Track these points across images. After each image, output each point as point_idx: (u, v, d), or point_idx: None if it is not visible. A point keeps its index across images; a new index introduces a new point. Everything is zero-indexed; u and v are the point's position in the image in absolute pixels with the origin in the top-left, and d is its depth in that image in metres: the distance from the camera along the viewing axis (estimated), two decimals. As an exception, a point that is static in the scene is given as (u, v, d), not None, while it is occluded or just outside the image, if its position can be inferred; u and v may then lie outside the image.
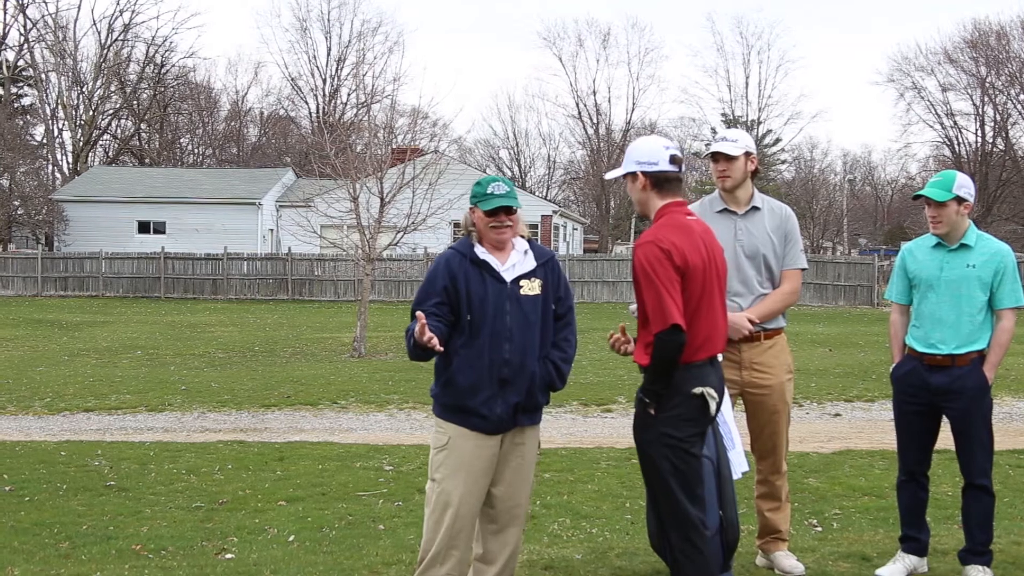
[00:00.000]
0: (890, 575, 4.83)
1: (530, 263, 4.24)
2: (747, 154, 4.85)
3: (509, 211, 4.17)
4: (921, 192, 4.73)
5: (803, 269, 4.97)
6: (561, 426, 10.30)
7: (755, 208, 4.89)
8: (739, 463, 4.46)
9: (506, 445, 4.22)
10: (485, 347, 4.12)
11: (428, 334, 3.92)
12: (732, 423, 4.51)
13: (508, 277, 4.18)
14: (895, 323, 4.97)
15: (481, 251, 4.22)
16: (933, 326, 4.69)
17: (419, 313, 4.00)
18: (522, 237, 4.29)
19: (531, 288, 4.19)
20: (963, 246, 4.69)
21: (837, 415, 11.02)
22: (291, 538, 6.09)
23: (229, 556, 5.69)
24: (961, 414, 4.69)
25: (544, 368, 4.20)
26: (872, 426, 10.25)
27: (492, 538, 4.26)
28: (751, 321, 4.74)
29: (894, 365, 4.93)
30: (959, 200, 4.64)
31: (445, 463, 4.18)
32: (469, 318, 4.14)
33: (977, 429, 4.70)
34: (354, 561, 5.37)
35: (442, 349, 4.03)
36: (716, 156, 4.86)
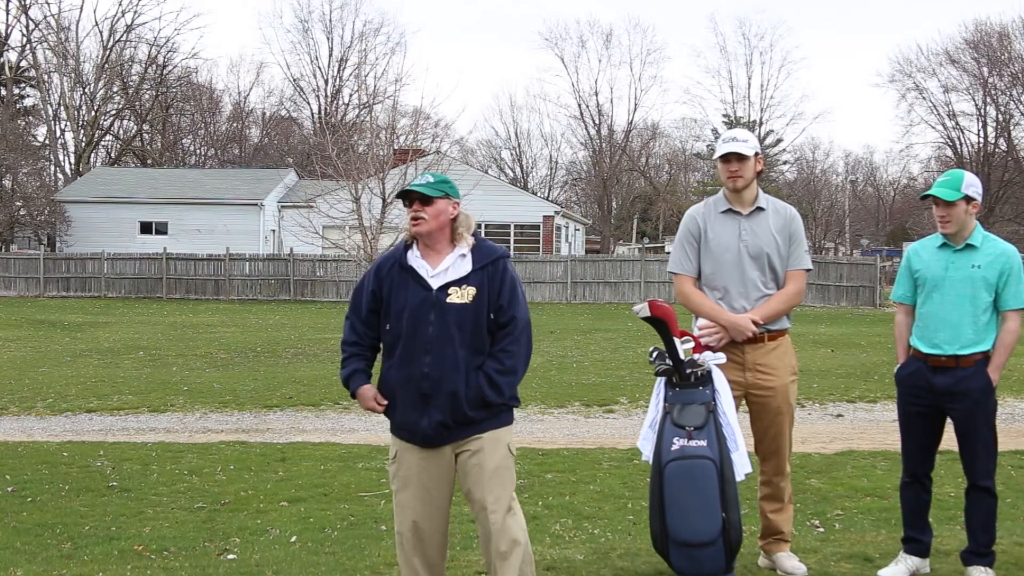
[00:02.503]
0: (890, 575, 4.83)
1: (464, 268, 3.94)
2: (756, 154, 4.86)
3: (425, 200, 3.93)
4: (929, 192, 4.69)
5: (807, 270, 4.96)
6: (563, 427, 10.30)
7: (760, 208, 4.87)
8: (742, 464, 4.47)
9: (462, 457, 4.02)
10: (404, 359, 3.92)
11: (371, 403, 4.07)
12: (735, 425, 4.52)
13: (435, 284, 3.93)
14: (900, 324, 4.94)
15: (413, 255, 4.00)
16: (937, 326, 4.67)
17: (367, 396, 4.06)
18: (455, 235, 4.02)
19: (460, 296, 3.89)
20: (969, 246, 4.66)
21: (839, 416, 11.01)
22: (293, 539, 6.09)
23: (231, 557, 5.69)
24: (965, 416, 4.67)
25: (474, 380, 3.90)
26: (874, 427, 10.23)
27: (485, 548, 4.11)
28: (755, 323, 4.73)
29: (898, 366, 4.92)
30: (968, 199, 4.62)
31: (396, 476, 4.11)
32: (388, 327, 3.96)
33: (981, 431, 4.68)
34: (356, 562, 5.38)
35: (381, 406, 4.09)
36: (729, 156, 4.83)
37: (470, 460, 4.01)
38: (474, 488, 4.02)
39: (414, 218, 3.96)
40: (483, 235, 4.15)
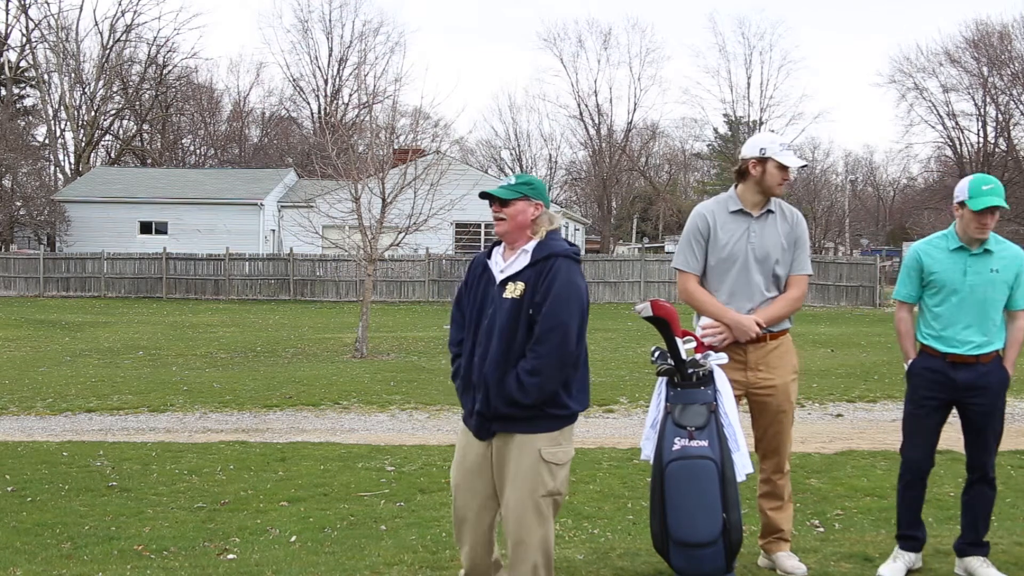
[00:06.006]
0: (891, 574, 4.84)
1: (520, 264, 4.03)
2: None
3: (503, 203, 4.03)
4: (995, 203, 4.66)
5: (808, 275, 4.97)
6: (563, 427, 10.28)
7: (769, 211, 4.88)
8: (743, 465, 4.46)
9: (494, 448, 4.07)
10: (468, 349, 4.10)
11: None
12: (737, 425, 4.51)
13: (498, 279, 4.06)
14: (905, 320, 4.98)
15: (496, 252, 4.15)
16: (956, 328, 4.72)
17: None
18: (530, 232, 4.05)
19: (512, 292, 3.97)
20: (986, 251, 4.74)
21: (839, 416, 11.01)
22: (293, 539, 6.09)
23: (231, 556, 5.69)
24: (986, 409, 4.75)
25: (510, 376, 3.93)
26: (874, 427, 10.23)
27: (511, 553, 4.12)
28: (759, 324, 4.73)
29: (910, 361, 4.92)
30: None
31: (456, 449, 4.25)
32: (467, 315, 4.15)
33: (996, 424, 4.78)
34: (356, 562, 5.37)
35: None
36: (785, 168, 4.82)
37: (506, 455, 4.04)
38: (511, 488, 4.05)
39: (495, 219, 4.08)
40: (561, 233, 4.15)
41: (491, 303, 4.02)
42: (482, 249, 4.29)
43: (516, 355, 3.95)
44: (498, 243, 4.18)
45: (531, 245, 4.03)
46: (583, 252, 49.71)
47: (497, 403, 3.94)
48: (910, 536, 4.93)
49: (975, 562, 4.77)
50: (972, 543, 4.82)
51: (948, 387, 4.75)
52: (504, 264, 4.07)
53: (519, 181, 4.08)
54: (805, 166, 4.95)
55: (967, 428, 4.82)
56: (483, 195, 4.13)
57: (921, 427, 4.87)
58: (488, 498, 4.15)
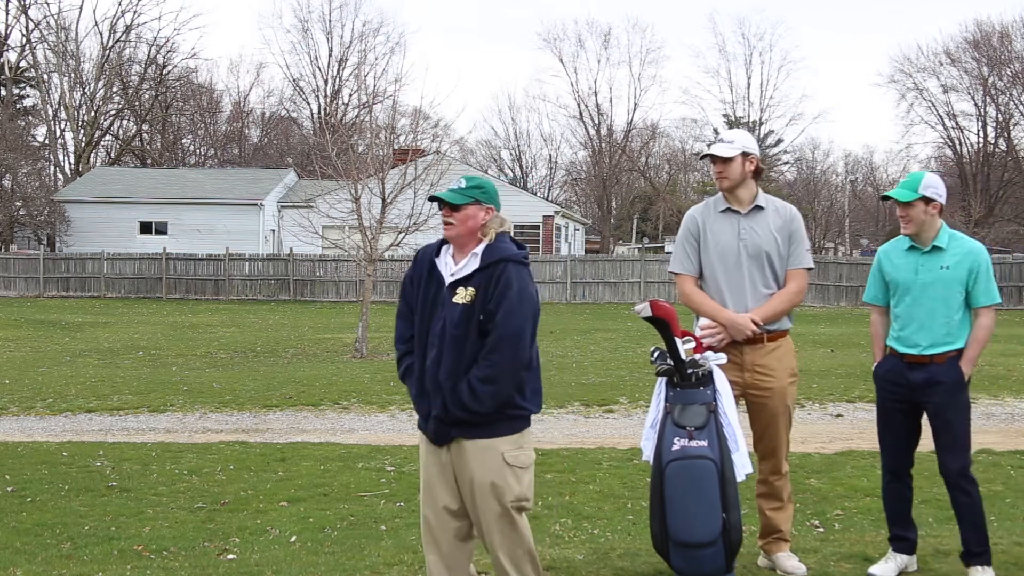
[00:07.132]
0: (882, 574, 4.85)
1: (470, 267, 3.93)
2: (744, 154, 4.85)
3: (453, 207, 3.94)
4: (888, 194, 4.79)
5: (809, 269, 4.97)
6: (563, 427, 10.30)
7: (759, 207, 4.88)
8: (743, 465, 4.46)
9: (453, 456, 3.97)
10: (418, 352, 3.99)
11: None
12: (736, 425, 4.52)
13: (447, 282, 3.95)
14: (875, 323, 5.01)
15: (445, 251, 4.05)
16: (911, 327, 4.73)
17: None
18: (487, 234, 3.96)
19: (463, 297, 3.88)
20: (936, 248, 4.74)
21: (839, 416, 11.01)
22: (293, 539, 6.09)
23: (231, 557, 5.69)
24: (939, 408, 4.72)
25: (463, 383, 3.84)
26: (874, 427, 10.16)
27: (492, 562, 4.09)
28: (755, 323, 4.73)
29: (876, 364, 4.96)
30: (926, 200, 4.69)
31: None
32: (415, 317, 4.04)
33: (955, 424, 4.73)
34: (356, 562, 5.38)
35: None
36: (712, 158, 4.86)
37: (460, 465, 3.96)
38: (468, 495, 3.97)
39: (444, 222, 3.99)
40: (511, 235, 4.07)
41: (441, 306, 3.93)
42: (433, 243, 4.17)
43: (468, 361, 3.86)
44: (446, 241, 4.09)
45: (480, 248, 3.95)
46: (583, 252, 49.77)
47: (454, 409, 3.86)
48: (900, 537, 4.95)
49: (974, 572, 4.75)
50: (968, 552, 4.80)
51: (906, 388, 4.75)
52: (454, 267, 3.98)
53: (470, 185, 3.98)
54: (710, 155, 4.93)
55: (932, 429, 4.79)
56: (432, 199, 4.04)
57: (889, 427, 4.91)
58: (455, 512, 4.04)
